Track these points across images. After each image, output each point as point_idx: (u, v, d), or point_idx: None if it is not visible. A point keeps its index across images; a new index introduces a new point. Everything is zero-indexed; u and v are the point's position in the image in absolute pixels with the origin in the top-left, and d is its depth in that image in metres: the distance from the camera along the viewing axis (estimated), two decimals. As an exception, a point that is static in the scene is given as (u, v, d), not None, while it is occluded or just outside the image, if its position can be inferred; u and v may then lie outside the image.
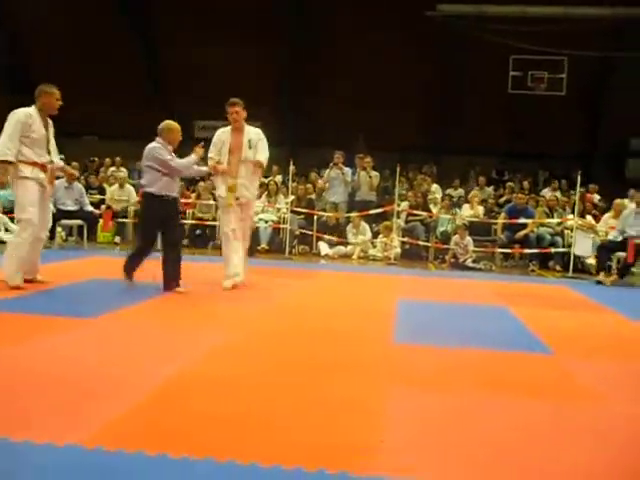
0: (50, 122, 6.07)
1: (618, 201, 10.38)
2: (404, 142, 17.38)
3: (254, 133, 6.49)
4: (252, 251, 10.25)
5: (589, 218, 11.09)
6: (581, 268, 10.05)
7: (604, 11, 15.45)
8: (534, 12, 15.53)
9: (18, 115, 5.74)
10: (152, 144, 6.10)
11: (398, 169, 11.07)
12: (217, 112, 18.60)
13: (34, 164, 5.77)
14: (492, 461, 2.50)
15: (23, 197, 5.77)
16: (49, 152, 5.99)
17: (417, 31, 16.36)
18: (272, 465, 2.31)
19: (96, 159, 15.07)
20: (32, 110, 5.85)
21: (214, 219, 11.21)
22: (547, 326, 5.29)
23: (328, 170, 11.79)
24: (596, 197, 12.96)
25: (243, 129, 6.45)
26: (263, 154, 6.44)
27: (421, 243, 10.85)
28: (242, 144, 6.38)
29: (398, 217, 11.08)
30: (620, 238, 8.97)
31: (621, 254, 8.87)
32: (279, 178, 12.88)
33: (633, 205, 9.38)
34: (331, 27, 17.40)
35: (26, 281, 5.83)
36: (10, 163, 5.63)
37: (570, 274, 9.63)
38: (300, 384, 3.38)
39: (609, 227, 10.05)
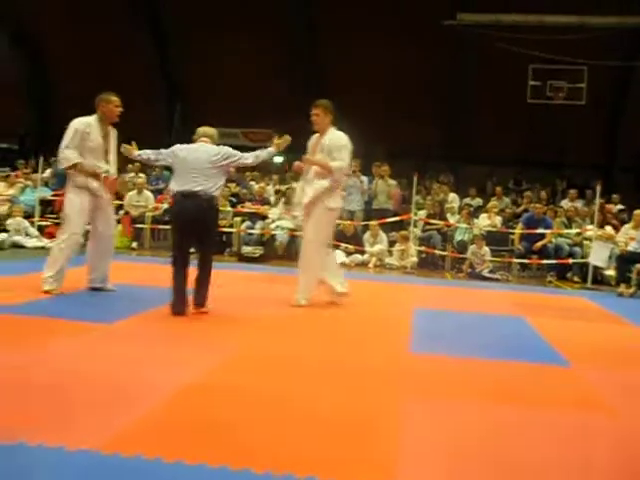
0: (112, 132, 6.22)
1: (638, 212, 10.27)
2: (422, 151, 17.37)
3: (332, 138, 6.10)
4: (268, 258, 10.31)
5: (609, 229, 10.98)
6: (600, 279, 9.94)
7: (620, 20, 15.36)
8: (551, 21, 15.49)
9: (76, 124, 5.89)
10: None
11: (415, 178, 11.05)
12: (232, 120, 18.50)
13: (87, 173, 5.91)
14: (507, 475, 2.48)
15: (70, 206, 5.95)
16: (107, 161, 6.11)
17: (435, 40, 16.38)
18: (285, 474, 2.31)
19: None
20: (92, 119, 5.98)
21: (231, 225, 11.26)
22: (564, 337, 5.24)
23: (345, 178, 11.78)
24: (616, 207, 12.82)
25: (324, 133, 6.13)
26: (334, 160, 5.97)
27: (438, 252, 10.81)
28: (316, 147, 6.15)
29: (415, 226, 11.05)
30: (640, 249, 8.88)
31: (641, 266, 8.77)
32: (296, 185, 12.88)
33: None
34: (347, 37, 17.48)
35: (95, 289, 6.10)
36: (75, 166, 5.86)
37: (589, 285, 9.54)
38: (315, 393, 3.37)
39: (629, 238, 9.94)
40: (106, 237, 6.23)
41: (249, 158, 5.65)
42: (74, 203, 5.95)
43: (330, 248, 6.38)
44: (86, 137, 5.87)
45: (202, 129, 5.61)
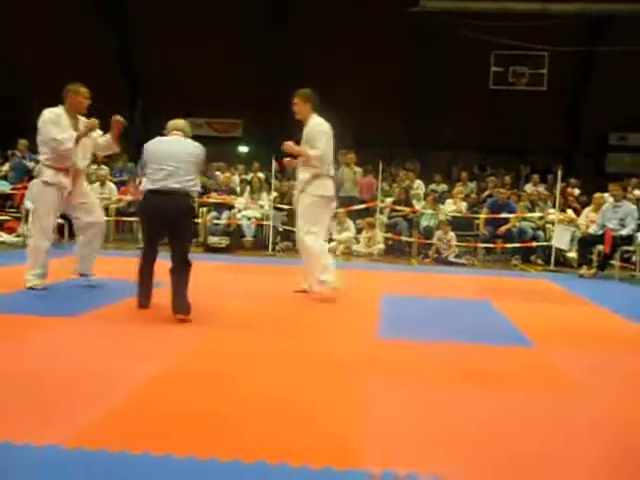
0: (81, 123, 5.88)
1: (598, 195, 10.50)
2: (387, 139, 17.43)
3: (311, 126, 6.06)
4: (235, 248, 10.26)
5: (570, 212, 11.19)
6: (562, 262, 10.13)
7: (583, 7, 15.58)
8: (513, 8, 15.62)
9: (48, 114, 5.64)
10: None
11: (381, 165, 11.08)
12: (197, 110, 18.52)
13: (57, 169, 5.71)
14: (474, 453, 2.51)
15: (39, 202, 5.81)
16: (76, 154, 5.84)
17: (399, 28, 16.41)
18: (255, 461, 2.31)
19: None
20: (60, 110, 5.74)
21: (196, 216, 11.16)
22: (528, 319, 5.33)
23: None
24: (576, 191, 13.07)
25: (306, 122, 6.09)
26: (312, 148, 5.94)
27: (404, 239, 10.88)
28: (302, 138, 6.09)
29: (381, 213, 11.10)
30: (600, 232, 9.08)
31: (601, 247, 8.96)
32: (261, 175, 12.83)
33: (611, 199, 9.50)
34: (314, 24, 17.40)
35: (82, 275, 6.08)
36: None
37: (552, 267, 9.71)
38: (282, 379, 3.37)
39: (589, 221, 10.15)
40: (91, 227, 6.00)
41: None
42: (43, 199, 5.77)
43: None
44: (57, 125, 5.65)
45: (172, 122, 5.28)
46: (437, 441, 2.63)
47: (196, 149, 5.06)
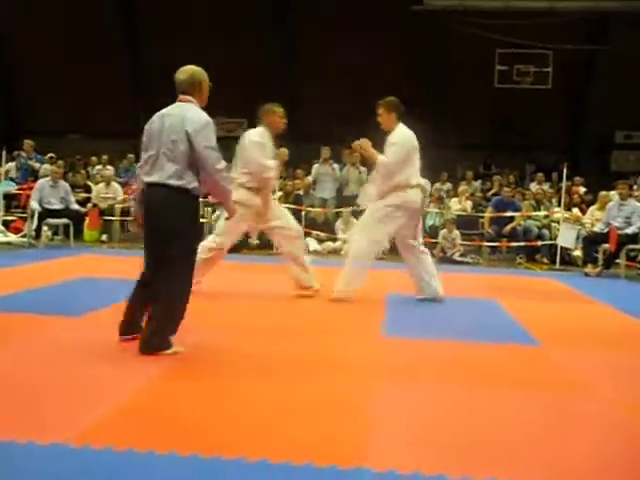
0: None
1: (603, 193, 10.45)
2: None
3: (391, 135, 5.89)
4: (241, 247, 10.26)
5: (575, 210, 11.15)
6: (568, 260, 10.09)
7: (587, 4, 15.50)
8: (518, 6, 15.55)
9: (254, 137, 5.66)
10: None
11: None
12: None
13: (253, 190, 5.70)
14: (480, 453, 2.51)
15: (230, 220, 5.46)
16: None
17: (403, 26, 16.37)
18: (259, 460, 2.30)
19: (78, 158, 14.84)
20: (263, 130, 5.73)
21: (202, 216, 11.17)
22: (534, 318, 5.32)
23: (317, 166, 11.77)
24: (581, 189, 13.02)
25: (391, 131, 5.90)
26: (385, 156, 5.78)
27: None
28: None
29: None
30: (606, 230, 9.05)
31: (607, 246, 8.93)
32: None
33: (617, 197, 9.46)
34: (315, 22, 17.38)
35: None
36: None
37: (557, 266, 9.68)
38: (289, 379, 3.37)
39: (595, 219, 10.11)
40: (291, 242, 5.97)
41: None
42: (234, 219, 5.55)
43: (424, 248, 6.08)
44: (262, 149, 5.63)
45: (179, 71, 3.92)
46: (442, 440, 2.62)
47: (197, 123, 3.67)
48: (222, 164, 3.77)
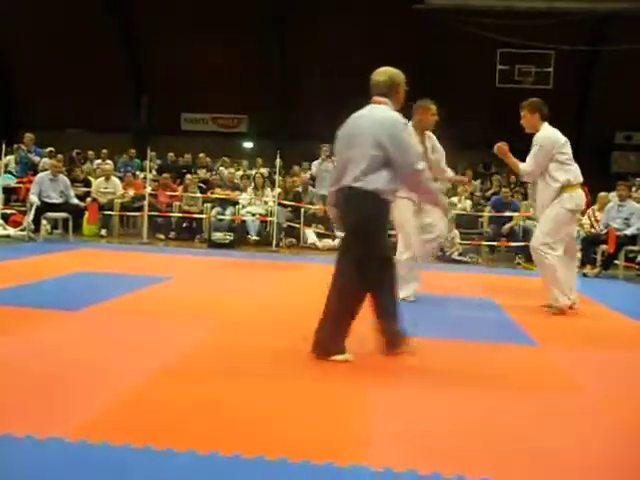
0: (430, 137, 5.90)
1: (602, 194, 10.45)
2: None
3: (535, 137, 5.73)
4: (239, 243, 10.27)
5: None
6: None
7: (588, 5, 15.51)
8: (519, 6, 15.56)
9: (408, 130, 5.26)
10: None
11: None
12: (202, 105, 18.60)
13: None
14: (476, 453, 2.51)
15: (399, 216, 5.47)
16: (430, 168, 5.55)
17: (404, 25, 16.37)
18: (255, 456, 2.31)
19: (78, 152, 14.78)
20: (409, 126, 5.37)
21: (201, 212, 11.18)
22: (532, 318, 5.32)
23: (318, 162, 11.77)
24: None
25: (537, 132, 5.74)
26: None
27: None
28: None
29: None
30: (604, 231, 9.06)
31: (605, 247, 8.94)
32: (265, 171, 12.83)
33: (616, 198, 9.48)
34: (314, 21, 17.38)
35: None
36: None
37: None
38: (286, 376, 3.38)
39: (594, 220, 10.12)
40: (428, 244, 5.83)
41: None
42: (401, 213, 5.43)
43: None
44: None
45: (376, 73, 3.89)
46: (439, 439, 2.62)
47: (383, 125, 3.63)
48: (422, 164, 3.75)
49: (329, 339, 3.65)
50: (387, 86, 3.78)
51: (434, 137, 6.05)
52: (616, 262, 9.06)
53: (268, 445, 2.43)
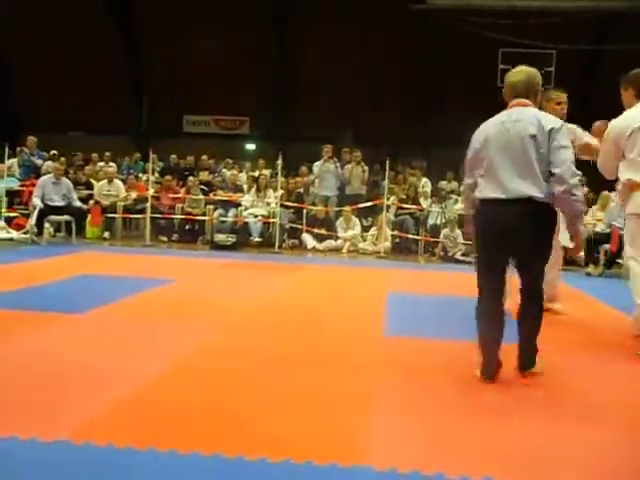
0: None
1: (605, 193, 10.44)
2: (393, 136, 17.40)
3: None
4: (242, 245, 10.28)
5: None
6: (569, 260, 10.08)
7: (590, 4, 15.51)
8: (520, 5, 15.55)
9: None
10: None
11: (388, 162, 11.07)
12: (203, 107, 18.59)
13: None
14: (479, 452, 2.52)
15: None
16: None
17: (404, 25, 16.37)
18: (258, 458, 2.31)
19: (79, 154, 14.72)
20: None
21: (204, 214, 11.19)
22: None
23: (320, 164, 11.77)
24: (584, 189, 12.98)
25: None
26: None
27: (411, 236, 10.86)
28: None
29: (388, 211, 11.09)
30: (607, 230, 9.04)
31: (608, 246, 8.93)
32: (267, 172, 12.82)
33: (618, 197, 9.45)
34: (315, 22, 17.40)
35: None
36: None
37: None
38: (289, 378, 3.38)
39: (596, 219, 10.11)
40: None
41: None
42: None
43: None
44: None
45: (515, 71, 3.55)
46: (442, 439, 2.63)
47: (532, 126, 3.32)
48: (576, 179, 3.30)
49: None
50: (525, 87, 3.47)
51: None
52: (619, 261, 9.03)
53: (271, 446, 2.43)
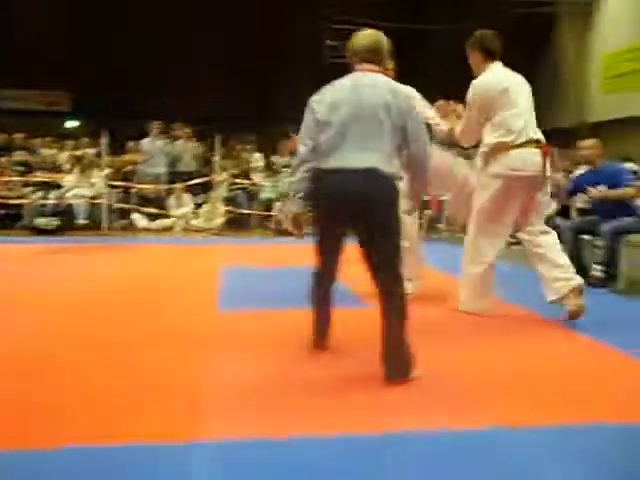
0: None
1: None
2: (224, 112, 17.21)
3: None
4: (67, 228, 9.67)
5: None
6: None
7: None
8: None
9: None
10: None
11: (218, 139, 10.91)
12: (19, 80, 16.97)
13: None
14: (319, 414, 2.56)
15: None
16: None
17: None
18: (93, 444, 2.18)
19: None
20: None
21: (19, 197, 10.32)
22: (361, 281, 5.48)
23: (149, 140, 11.30)
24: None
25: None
26: None
27: (244, 211, 10.83)
28: None
29: (220, 186, 10.96)
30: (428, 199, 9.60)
31: (431, 211, 9.51)
32: (92, 151, 12.08)
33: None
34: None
35: None
36: None
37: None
38: (122, 360, 3.25)
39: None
40: None
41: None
42: None
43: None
44: None
45: (360, 35, 3.28)
46: (278, 408, 2.64)
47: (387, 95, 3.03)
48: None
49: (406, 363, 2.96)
50: (373, 51, 3.18)
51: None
52: (439, 225, 9.68)
53: (104, 434, 2.30)
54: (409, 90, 3.21)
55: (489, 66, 4.24)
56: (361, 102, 2.99)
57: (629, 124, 16.32)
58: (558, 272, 4.12)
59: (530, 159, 4.12)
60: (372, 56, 3.16)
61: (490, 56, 4.25)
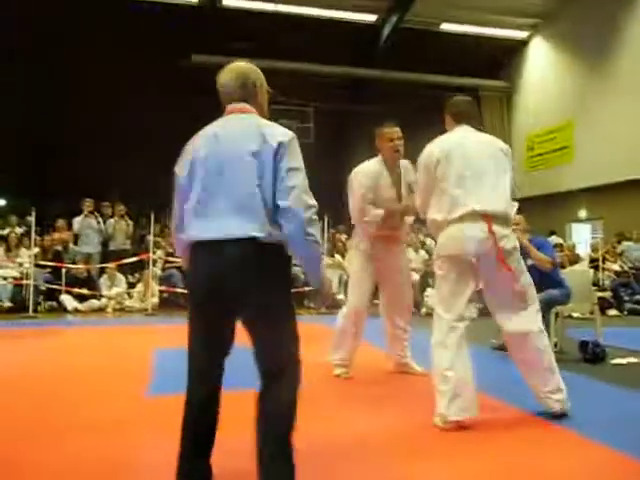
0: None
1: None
2: (158, 188, 17.11)
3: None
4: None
5: (337, 257, 11.80)
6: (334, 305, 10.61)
7: (339, 70, 17.23)
8: (281, 67, 16.51)
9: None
10: None
11: (153, 216, 10.77)
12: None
13: None
14: None
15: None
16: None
17: (167, 78, 16.47)
18: None
19: None
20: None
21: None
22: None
23: (80, 219, 11.06)
24: (344, 237, 13.84)
25: None
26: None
27: (179, 290, 10.59)
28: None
29: (154, 265, 10.73)
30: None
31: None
32: (19, 230, 11.70)
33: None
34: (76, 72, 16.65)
35: None
36: None
37: (324, 310, 10.06)
38: (45, 448, 3.01)
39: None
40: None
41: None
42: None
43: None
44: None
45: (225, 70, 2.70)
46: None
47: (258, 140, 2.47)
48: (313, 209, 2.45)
49: None
50: (242, 87, 2.62)
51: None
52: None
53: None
54: (285, 133, 2.53)
55: (455, 129, 3.90)
56: (223, 153, 2.43)
57: (553, 199, 17.17)
58: None
59: (467, 236, 3.49)
60: (239, 93, 2.60)
61: (456, 119, 3.91)
